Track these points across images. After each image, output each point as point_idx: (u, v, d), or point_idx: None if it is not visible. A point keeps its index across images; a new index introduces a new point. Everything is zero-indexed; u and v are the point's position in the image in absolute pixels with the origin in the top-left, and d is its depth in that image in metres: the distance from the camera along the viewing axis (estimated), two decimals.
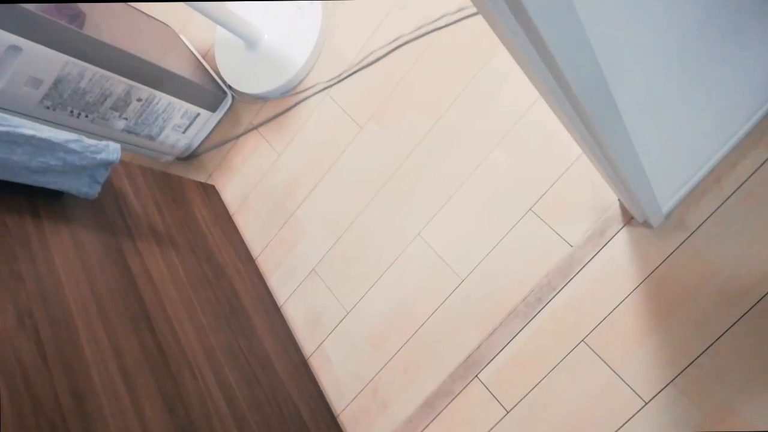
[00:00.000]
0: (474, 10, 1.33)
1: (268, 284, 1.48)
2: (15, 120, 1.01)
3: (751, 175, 1.01)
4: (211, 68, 1.74)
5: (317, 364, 1.36)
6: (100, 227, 1.15)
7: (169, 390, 0.98)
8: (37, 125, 1.03)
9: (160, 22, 1.81)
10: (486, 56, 1.29)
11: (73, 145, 1.06)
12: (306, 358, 1.38)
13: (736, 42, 0.73)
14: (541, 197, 1.18)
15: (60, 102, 1.33)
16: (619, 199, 1.13)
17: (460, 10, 1.35)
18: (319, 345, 1.37)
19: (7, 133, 0.96)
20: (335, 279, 1.39)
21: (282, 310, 1.44)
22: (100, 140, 1.12)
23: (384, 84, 1.42)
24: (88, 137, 1.13)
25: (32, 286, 0.93)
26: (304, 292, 1.42)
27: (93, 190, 1.13)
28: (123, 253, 1.15)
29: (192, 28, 1.83)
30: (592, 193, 1.15)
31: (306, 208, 1.48)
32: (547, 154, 1.19)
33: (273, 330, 1.35)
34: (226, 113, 1.68)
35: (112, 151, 1.12)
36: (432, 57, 1.37)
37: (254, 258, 1.53)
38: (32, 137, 1.00)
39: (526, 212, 1.20)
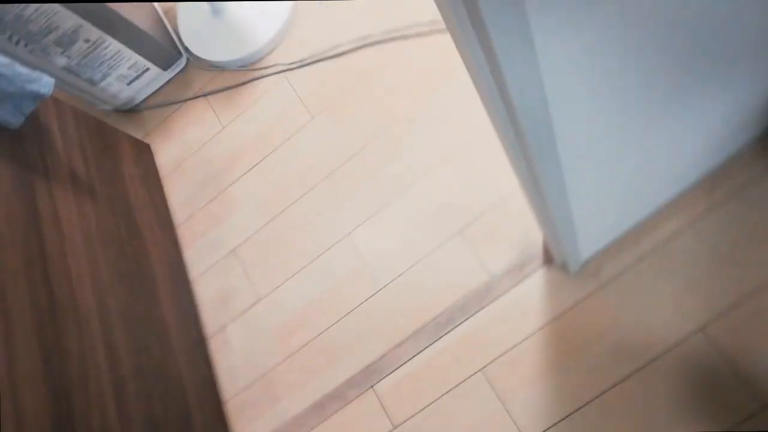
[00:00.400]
0: (444, 26, 1.35)
1: (183, 255, 1.43)
2: None
3: (668, 242, 1.07)
4: (171, 26, 1.68)
5: (216, 346, 1.32)
6: (14, 160, 1.08)
7: (49, 339, 0.92)
8: None
9: None
10: (448, 74, 1.31)
11: (3, 69, 0.99)
12: (206, 337, 1.33)
13: (674, 112, 0.77)
14: (473, 222, 1.20)
15: (9, 26, 1.24)
16: (544, 240, 1.17)
17: (432, 22, 1.36)
18: (222, 327, 1.33)
19: None
20: (254, 263, 1.36)
21: (191, 284, 1.40)
22: (34, 71, 1.06)
23: (343, 79, 1.42)
24: (21, 66, 1.06)
25: None
26: (219, 271, 1.38)
27: (16, 120, 1.06)
28: (34, 191, 1.08)
29: None
30: (521, 228, 1.18)
31: (241, 186, 1.44)
32: (489, 182, 1.22)
33: (177, 302, 1.30)
34: (177, 74, 1.62)
35: (44, 84, 1.05)
36: (396, 63, 1.37)
37: (175, 226, 1.47)
38: None
39: (456, 234, 1.21)
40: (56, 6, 1.27)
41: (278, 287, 1.32)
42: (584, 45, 0.45)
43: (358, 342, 1.22)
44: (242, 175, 1.45)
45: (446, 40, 1.34)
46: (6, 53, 1.29)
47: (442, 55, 1.33)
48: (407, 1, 1.41)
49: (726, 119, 0.86)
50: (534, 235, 1.17)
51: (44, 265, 1.00)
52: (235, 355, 1.30)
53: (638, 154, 0.83)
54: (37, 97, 1.05)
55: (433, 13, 1.37)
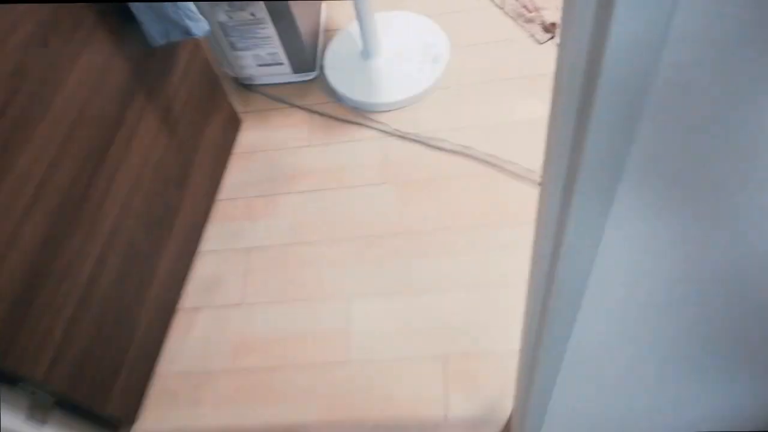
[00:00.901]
0: (537, 179, 1.40)
1: (206, 227, 1.47)
2: None
3: None
4: (323, 42, 1.80)
5: (180, 321, 1.33)
6: (134, 66, 1.16)
7: (59, 224, 0.96)
8: None
9: None
10: (515, 221, 1.34)
11: None
12: (177, 308, 1.34)
13: (701, 373, 0.76)
14: (461, 356, 1.20)
15: None
16: (512, 414, 1.14)
17: (528, 171, 1.41)
18: (196, 309, 1.34)
19: None
20: (257, 271, 1.38)
21: (196, 255, 1.42)
22: (196, 12, 1.16)
23: (428, 168, 1.47)
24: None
25: (37, 74, 0.93)
26: (224, 259, 1.41)
27: (159, 40, 1.15)
28: (132, 99, 1.15)
29: (337, 5, 1.91)
30: (500, 389, 1.16)
31: (289, 200, 1.49)
32: (497, 329, 1.22)
33: (175, 261, 1.33)
34: (300, 82, 1.73)
35: (200, 27, 1.15)
36: (479, 183, 1.42)
37: (216, 199, 1.52)
38: None
39: (439, 357, 1.20)
40: None
41: (263, 304, 1.33)
42: (651, 254, 0.46)
43: (298, 397, 1.20)
44: (297, 192, 1.50)
45: (533, 192, 1.38)
46: None
47: (522, 203, 1.37)
48: (524, 142, 1.47)
49: (755, 408, 0.85)
50: (506, 404, 1.15)
51: (99, 162, 1.06)
52: (191, 340, 1.30)
53: (643, 392, 0.82)
54: (187, 32, 1.14)
55: (536, 160, 1.43)
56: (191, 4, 1.12)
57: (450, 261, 1.32)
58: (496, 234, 1.34)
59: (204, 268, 1.40)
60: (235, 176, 1.57)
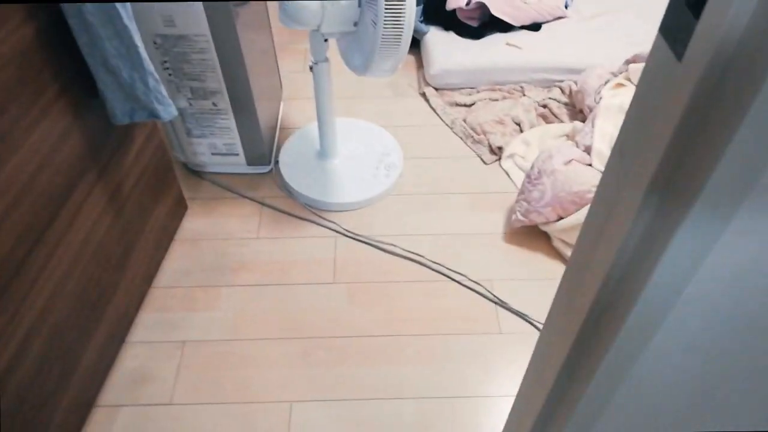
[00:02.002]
0: (471, 286, 1.43)
1: (138, 313, 1.36)
2: (134, 25, 1.05)
3: None
4: (279, 137, 1.83)
5: (96, 418, 1.18)
6: (91, 143, 1.12)
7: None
8: (140, 41, 1.06)
9: (279, 77, 1.96)
10: (470, 325, 1.35)
11: (150, 79, 1.08)
12: (94, 404, 1.20)
13: None
14: None
15: (166, 49, 1.39)
16: None
17: (480, 282, 1.44)
18: (117, 406, 1.21)
19: (125, 28, 1.00)
20: (191, 367, 1.28)
21: (124, 344, 1.31)
22: (166, 96, 1.15)
23: (380, 272, 1.47)
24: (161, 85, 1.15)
25: None
26: (156, 351, 1.30)
27: (121, 119, 1.12)
28: (83, 177, 1.10)
29: (294, 105, 1.97)
30: None
31: (231, 293, 1.42)
32: None
33: (100, 354, 1.21)
34: (253, 174, 1.72)
35: (168, 111, 1.14)
36: (428, 291, 1.43)
37: (152, 285, 1.43)
38: (135, 46, 1.03)
39: None
40: (216, 64, 1.43)
41: (195, 406, 1.22)
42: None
43: None
44: (240, 285, 1.44)
45: (479, 303, 1.41)
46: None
47: (469, 313, 1.39)
48: (470, 254, 1.52)
49: None
50: None
51: (38, 237, 0.97)
52: None
53: None
54: (154, 115, 1.12)
55: (481, 272, 1.47)
56: (159, 92, 1.12)
57: (398, 368, 1.29)
58: (445, 342, 1.33)
59: (130, 359, 1.28)
60: (176, 263, 1.49)
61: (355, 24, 1.34)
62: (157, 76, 1.10)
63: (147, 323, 1.35)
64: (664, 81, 0.31)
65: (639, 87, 0.34)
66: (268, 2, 1.88)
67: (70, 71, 1.04)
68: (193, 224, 1.59)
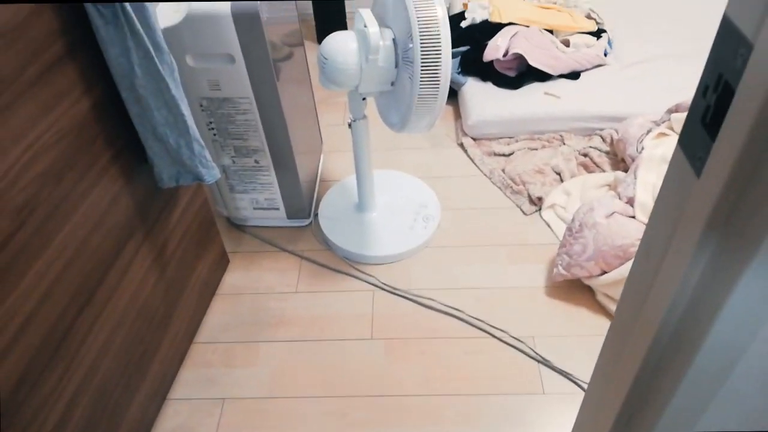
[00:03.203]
0: (513, 343, 1.39)
1: (180, 370, 1.38)
2: (181, 93, 1.10)
3: None
4: (319, 190, 1.86)
5: None
6: (139, 206, 1.16)
7: (37, 365, 0.89)
8: (187, 108, 1.11)
9: (319, 131, 2.01)
10: (509, 385, 1.31)
11: (195, 145, 1.13)
12: None
13: None
14: None
15: (211, 111, 1.45)
16: None
17: (522, 338, 1.41)
18: None
19: (172, 98, 1.05)
20: (231, 425, 1.28)
21: (166, 402, 1.32)
22: (210, 159, 1.19)
23: (416, 325, 1.46)
24: (206, 149, 1.20)
25: (46, 209, 0.92)
26: (196, 408, 1.31)
27: (167, 183, 1.17)
28: (130, 239, 1.14)
29: (334, 157, 2.01)
30: None
31: (270, 349, 1.43)
32: None
33: (143, 411, 1.23)
34: (293, 228, 1.75)
35: (212, 174, 1.18)
36: (467, 347, 1.40)
37: (194, 340, 1.45)
38: (182, 115, 1.08)
39: None
40: (258, 125, 1.48)
41: None
42: None
43: None
44: (279, 341, 1.45)
45: (521, 361, 1.37)
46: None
47: (511, 372, 1.35)
48: (511, 309, 1.49)
49: None
50: None
51: (87, 300, 1.01)
52: None
53: None
54: (198, 179, 1.17)
55: (522, 328, 1.43)
56: (203, 156, 1.16)
57: (438, 430, 1.25)
58: (487, 403, 1.29)
59: (173, 417, 1.30)
60: (217, 318, 1.51)
61: (392, 83, 1.36)
62: (201, 142, 1.14)
63: (188, 380, 1.37)
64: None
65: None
66: (308, 60, 1.95)
67: (122, 139, 1.10)
68: (234, 278, 1.62)
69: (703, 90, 0.27)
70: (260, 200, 1.68)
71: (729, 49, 0.25)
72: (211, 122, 1.48)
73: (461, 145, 2.01)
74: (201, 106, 1.44)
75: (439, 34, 1.22)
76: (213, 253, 1.54)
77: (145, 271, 1.20)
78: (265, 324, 1.50)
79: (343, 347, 1.43)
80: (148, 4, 0.99)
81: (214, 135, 1.51)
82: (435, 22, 1.22)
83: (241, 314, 1.52)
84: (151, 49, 1.00)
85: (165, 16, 1.30)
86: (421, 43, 1.21)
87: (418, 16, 1.21)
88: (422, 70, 1.23)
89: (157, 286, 1.26)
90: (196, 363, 1.41)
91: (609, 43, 2.16)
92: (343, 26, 2.59)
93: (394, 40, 1.30)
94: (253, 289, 1.59)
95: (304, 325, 1.49)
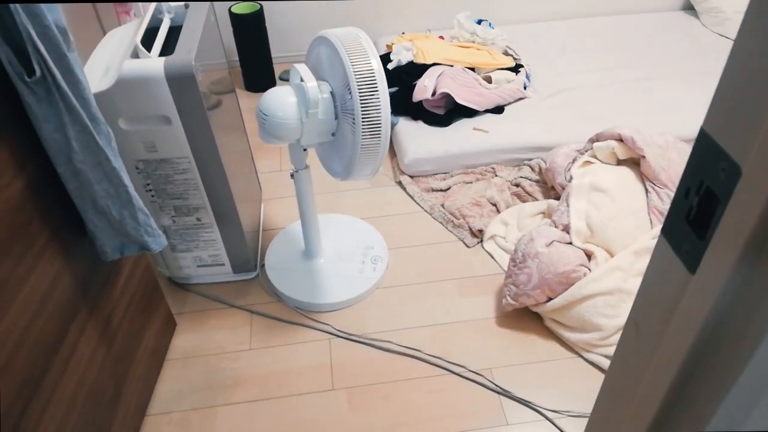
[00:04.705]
0: (472, 377, 1.42)
1: None
2: (121, 163, 1.07)
3: None
4: (263, 240, 1.83)
5: None
6: (81, 282, 1.10)
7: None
8: (128, 179, 1.08)
9: (257, 178, 1.99)
10: (467, 422, 1.33)
11: (140, 215, 1.09)
12: None
13: None
14: None
15: (148, 173, 1.41)
16: None
17: (480, 371, 1.44)
18: None
19: (113, 170, 1.02)
20: None
21: None
22: (155, 227, 1.16)
23: (376, 369, 1.46)
24: (151, 218, 1.16)
25: None
26: None
27: (111, 256, 1.12)
28: (74, 318, 1.08)
29: (274, 204, 1.99)
30: None
31: (228, 412, 1.38)
32: None
33: None
34: (240, 281, 1.72)
35: (158, 242, 1.14)
36: (429, 387, 1.42)
37: (146, 413, 1.38)
38: (124, 186, 1.04)
39: None
40: (199, 182, 1.44)
41: None
42: None
43: None
44: (237, 403, 1.41)
45: (482, 395, 1.40)
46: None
47: (473, 407, 1.37)
48: (466, 343, 1.52)
49: None
50: None
51: (33, 393, 0.94)
52: None
53: None
54: (144, 248, 1.13)
55: (480, 361, 1.46)
56: (149, 225, 1.13)
57: None
58: None
59: None
60: (169, 386, 1.45)
61: (333, 134, 1.38)
62: (146, 210, 1.11)
63: None
64: None
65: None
66: (240, 103, 1.93)
67: (59, 215, 1.05)
68: (183, 341, 1.56)
69: (684, 191, 0.30)
70: (204, 257, 1.64)
71: (709, 160, 0.28)
72: (148, 184, 1.44)
73: (399, 183, 2.06)
74: (137, 168, 1.40)
75: (377, 86, 1.26)
76: (159, 318, 1.48)
77: (91, 350, 1.14)
78: (220, 387, 1.45)
79: (305, 402, 1.40)
80: (80, 76, 0.96)
81: (153, 196, 1.46)
82: (372, 74, 1.25)
83: (194, 379, 1.47)
84: (88, 122, 0.96)
85: (94, 82, 1.26)
86: (360, 96, 1.24)
87: (355, 70, 1.24)
88: (363, 121, 1.26)
89: (105, 362, 1.19)
90: (153, 428, 1.34)
91: (527, 77, 2.29)
92: (270, 72, 2.59)
93: (332, 92, 1.32)
94: (204, 350, 1.54)
95: (262, 383, 1.45)
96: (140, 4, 1.86)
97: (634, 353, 0.40)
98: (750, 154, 0.25)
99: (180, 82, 1.26)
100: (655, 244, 0.34)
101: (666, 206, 1.59)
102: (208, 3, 1.50)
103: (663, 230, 0.33)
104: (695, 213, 0.29)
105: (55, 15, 0.88)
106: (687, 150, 1.72)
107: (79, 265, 1.11)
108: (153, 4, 1.45)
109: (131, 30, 1.43)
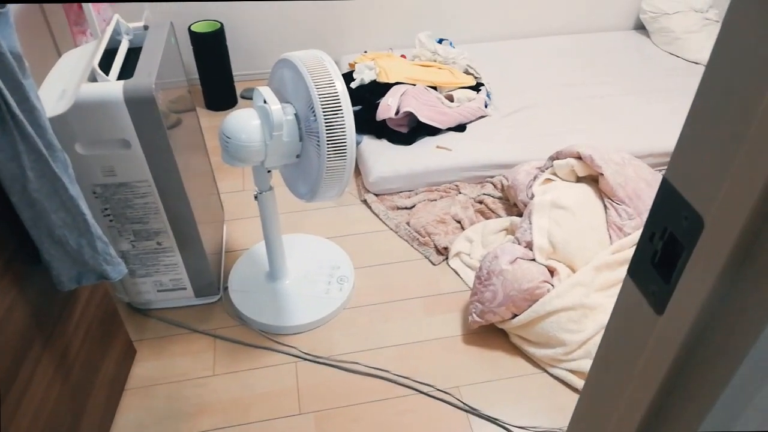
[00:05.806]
0: (440, 396, 1.42)
1: None
2: (78, 190, 1.04)
3: None
4: (225, 263, 1.80)
5: None
6: (36, 313, 1.06)
7: None
8: (86, 207, 1.05)
9: (220, 199, 1.96)
10: None
11: (98, 243, 1.06)
12: None
13: None
14: None
15: (106, 198, 1.37)
16: None
17: (448, 390, 1.44)
18: None
19: (70, 198, 0.98)
20: None
21: None
22: (115, 255, 1.12)
23: (344, 392, 1.44)
24: (110, 246, 1.13)
25: None
26: None
27: (68, 286, 1.08)
28: (29, 352, 1.03)
29: (237, 225, 1.96)
30: None
31: None
32: None
33: None
34: (203, 305, 1.68)
35: (118, 270, 1.11)
36: (398, 407, 1.41)
37: None
38: (81, 214, 1.01)
39: None
40: (159, 206, 1.41)
41: None
42: None
43: None
44: None
45: (452, 414, 1.40)
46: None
47: (447, 420, 1.38)
48: (434, 362, 1.52)
49: None
50: None
51: None
52: None
53: None
54: (103, 277, 1.09)
55: (448, 380, 1.47)
56: (108, 253, 1.09)
57: None
58: None
59: None
60: (129, 417, 1.40)
61: (298, 156, 1.38)
62: (105, 239, 1.08)
63: None
64: None
65: None
66: (200, 122, 1.91)
67: (12, 244, 1.01)
68: (143, 369, 1.51)
69: (649, 236, 0.32)
70: (164, 282, 1.60)
71: (672, 209, 0.29)
72: (106, 209, 1.40)
73: (365, 202, 2.06)
74: (94, 193, 1.36)
75: (341, 108, 1.26)
76: (118, 346, 1.43)
77: (48, 382, 1.09)
78: (183, 415, 1.41)
79: (272, 427, 1.38)
80: (36, 102, 0.93)
81: (111, 221, 1.42)
82: (336, 97, 1.26)
83: (156, 408, 1.42)
84: (44, 150, 0.93)
85: (50, 106, 1.23)
86: (325, 119, 1.24)
87: (319, 93, 1.24)
88: (328, 143, 1.26)
89: (62, 395, 1.14)
90: None
91: (488, 95, 2.34)
92: (231, 90, 2.57)
93: (296, 114, 1.32)
94: (166, 377, 1.49)
95: (227, 409, 1.42)
96: (96, 25, 1.82)
97: (604, 390, 0.41)
98: (712, 206, 0.27)
99: (140, 106, 1.23)
100: (622, 284, 0.35)
101: (624, 222, 1.64)
102: (168, 25, 1.48)
103: (629, 271, 0.34)
104: (660, 257, 0.31)
105: (10, 41, 0.85)
106: (642, 167, 1.78)
107: (34, 296, 1.07)
108: (110, 27, 1.42)
109: (88, 52, 1.40)
